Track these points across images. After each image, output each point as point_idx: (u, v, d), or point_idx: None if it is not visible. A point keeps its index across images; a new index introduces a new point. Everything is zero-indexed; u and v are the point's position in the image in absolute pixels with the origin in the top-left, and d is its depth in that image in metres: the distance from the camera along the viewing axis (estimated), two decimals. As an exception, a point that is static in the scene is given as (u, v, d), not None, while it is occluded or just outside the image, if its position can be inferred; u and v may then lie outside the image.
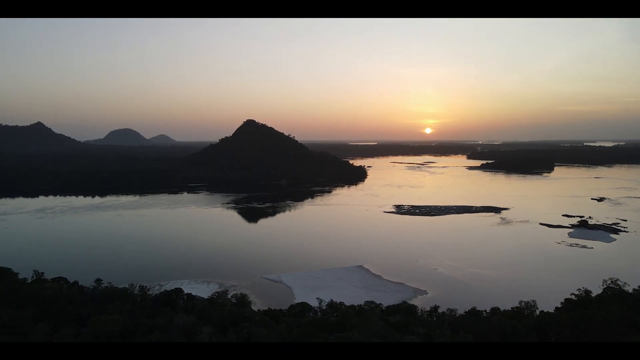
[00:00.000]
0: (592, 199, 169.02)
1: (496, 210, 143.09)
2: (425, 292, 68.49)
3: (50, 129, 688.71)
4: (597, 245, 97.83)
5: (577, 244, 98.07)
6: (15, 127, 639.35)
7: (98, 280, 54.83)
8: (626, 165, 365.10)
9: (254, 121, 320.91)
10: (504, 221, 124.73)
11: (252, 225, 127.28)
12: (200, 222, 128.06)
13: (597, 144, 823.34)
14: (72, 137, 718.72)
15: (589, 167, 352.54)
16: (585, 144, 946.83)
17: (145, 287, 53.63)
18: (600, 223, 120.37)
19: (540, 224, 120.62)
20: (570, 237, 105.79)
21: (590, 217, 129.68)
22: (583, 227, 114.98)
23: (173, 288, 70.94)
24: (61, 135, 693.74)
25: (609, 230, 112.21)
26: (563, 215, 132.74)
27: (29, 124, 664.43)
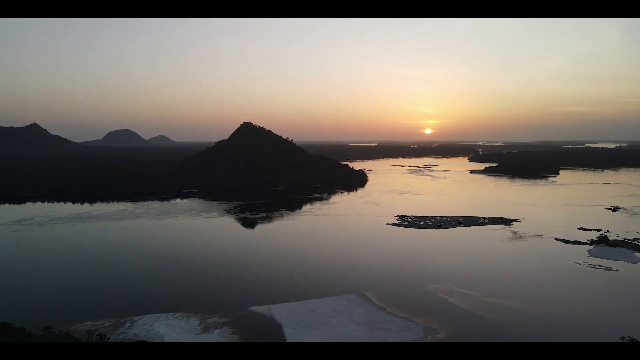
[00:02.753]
0: (606, 208, 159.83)
1: (506, 222, 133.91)
2: (436, 332, 59.23)
3: (46, 130, 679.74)
4: (622, 267, 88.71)
5: (601, 266, 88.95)
6: (10, 129, 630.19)
7: (47, 329, 45.57)
8: (633, 169, 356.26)
9: (251, 124, 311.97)
10: (516, 236, 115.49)
11: (241, 241, 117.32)
12: (185, 238, 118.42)
13: (598, 145, 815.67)
14: (68, 139, 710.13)
15: (594, 170, 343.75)
16: (586, 144, 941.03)
17: (104, 335, 44.38)
18: (620, 238, 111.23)
19: (556, 239, 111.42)
20: (591, 256, 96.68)
21: (608, 230, 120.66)
22: (603, 243, 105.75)
23: (146, 326, 61.89)
24: (57, 137, 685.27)
25: (632, 247, 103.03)
26: (579, 229, 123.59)
27: (24, 125, 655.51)
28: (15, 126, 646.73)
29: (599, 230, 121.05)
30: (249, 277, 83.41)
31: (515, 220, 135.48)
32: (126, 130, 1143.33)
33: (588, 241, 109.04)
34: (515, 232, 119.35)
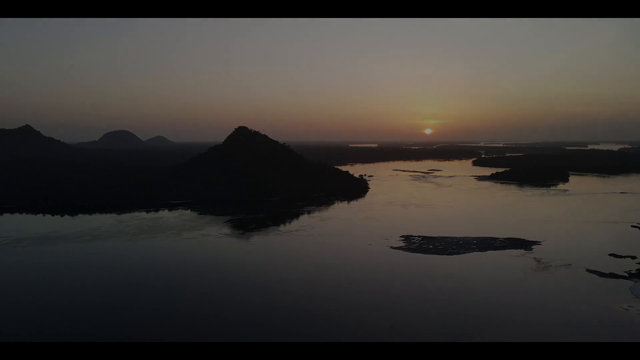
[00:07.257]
0: (632, 226, 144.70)
1: (525, 245, 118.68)
2: None
3: (38, 132, 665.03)
4: (678, 314, 73.63)
5: (651, 312, 73.83)
6: (2, 130, 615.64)
7: None
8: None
9: (246, 128, 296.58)
10: (540, 265, 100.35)
11: (215, 279, 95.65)
12: (150, 271, 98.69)
13: (601, 147, 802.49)
14: (62, 141, 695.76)
15: (605, 176, 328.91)
16: (588, 145, 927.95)
17: None
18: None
19: (588, 270, 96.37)
20: (635, 296, 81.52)
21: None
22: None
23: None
24: (50, 139, 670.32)
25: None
26: (609, 255, 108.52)
27: (16, 127, 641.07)
28: (7, 128, 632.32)
29: (633, 258, 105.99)
30: (219, 331, 67.97)
31: (536, 243, 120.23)
32: (123, 131, 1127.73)
33: (625, 274, 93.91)
34: (539, 260, 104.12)
